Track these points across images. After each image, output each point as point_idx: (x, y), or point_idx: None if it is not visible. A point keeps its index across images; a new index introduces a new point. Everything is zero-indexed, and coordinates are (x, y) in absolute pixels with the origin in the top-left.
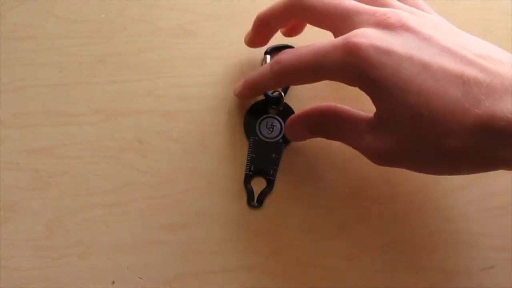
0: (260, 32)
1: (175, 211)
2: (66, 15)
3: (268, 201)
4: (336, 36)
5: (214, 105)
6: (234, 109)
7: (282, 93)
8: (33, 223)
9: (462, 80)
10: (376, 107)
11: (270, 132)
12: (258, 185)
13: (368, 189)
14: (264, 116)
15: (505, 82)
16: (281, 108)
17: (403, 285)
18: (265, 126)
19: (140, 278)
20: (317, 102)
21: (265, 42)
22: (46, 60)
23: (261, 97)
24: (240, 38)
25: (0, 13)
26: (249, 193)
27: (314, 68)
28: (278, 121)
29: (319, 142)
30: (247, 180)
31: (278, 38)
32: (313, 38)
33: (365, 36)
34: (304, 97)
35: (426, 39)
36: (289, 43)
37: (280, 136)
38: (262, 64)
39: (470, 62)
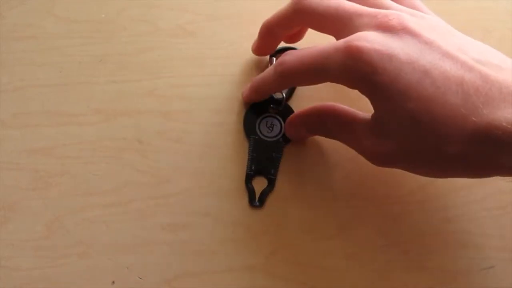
0: (266, 40)
1: (175, 211)
2: (66, 15)
3: (268, 201)
4: (338, 39)
5: (214, 105)
6: (234, 109)
7: (284, 95)
8: (33, 223)
9: (461, 88)
10: (375, 110)
11: (270, 131)
12: (260, 184)
13: (368, 189)
14: (264, 116)
15: (503, 90)
16: (280, 108)
17: (403, 285)
18: (265, 125)
19: (140, 278)
20: (317, 101)
21: (271, 50)
22: (46, 60)
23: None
24: (240, 38)
25: (0, 13)
26: (251, 192)
27: (316, 70)
28: (278, 120)
29: (319, 142)
30: (248, 179)
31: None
32: (315, 41)
33: (367, 39)
34: (304, 96)
35: (427, 43)
36: (293, 45)
37: (280, 135)
38: (268, 67)
39: (470, 68)
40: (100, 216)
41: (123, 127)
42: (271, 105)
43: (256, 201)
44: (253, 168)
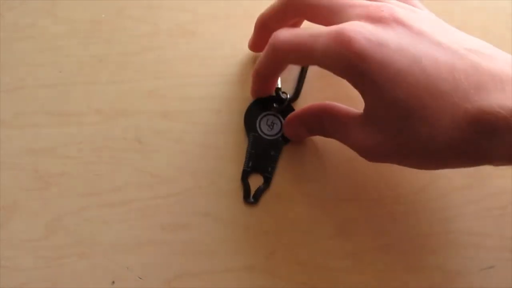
0: (261, 35)
1: (175, 211)
2: (66, 15)
3: (268, 201)
4: None
5: (214, 105)
6: (234, 109)
7: (289, 96)
8: (33, 223)
9: (452, 75)
10: (365, 100)
11: (270, 130)
12: (257, 182)
13: (368, 189)
14: (265, 113)
15: (495, 77)
16: (283, 107)
17: (403, 285)
18: (265, 123)
19: (140, 278)
20: (320, 100)
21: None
22: (46, 60)
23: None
24: (240, 38)
25: (0, 13)
26: (246, 189)
27: (305, 49)
28: (279, 118)
29: (319, 142)
30: (245, 176)
31: None
32: None
33: (357, 27)
34: (308, 100)
35: (418, 34)
36: None
37: (280, 134)
38: None
39: (461, 57)
40: (100, 216)
41: (123, 127)
42: (274, 104)
43: (251, 198)
44: (250, 164)
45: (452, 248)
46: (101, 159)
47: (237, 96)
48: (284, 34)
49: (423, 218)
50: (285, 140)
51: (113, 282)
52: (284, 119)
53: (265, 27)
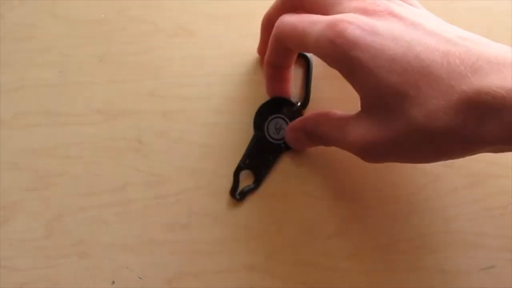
0: (268, 36)
1: (175, 211)
2: (66, 15)
3: (268, 201)
4: None
5: (214, 105)
6: (234, 109)
7: (299, 102)
8: (33, 223)
9: (447, 60)
10: (359, 92)
11: (276, 133)
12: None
13: (368, 189)
14: (275, 115)
15: (491, 60)
16: (293, 110)
17: (403, 285)
18: (273, 125)
19: (140, 278)
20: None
21: None
22: (46, 60)
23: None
24: (240, 38)
25: (0, 13)
26: (235, 184)
27: (303, 35)
28: (287, 124)
29: None
30: (238, 171)
31: None
32: None
33: (352, 18)
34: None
35: (411, 25)
36: None
37: (284, 140)
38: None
39: (455, 43)
40: (100, 216)
41: (123, 127)
42: (285, 108)
43: (237, 194)
44: (246, 162)
45: (452, 248)
46: (101, 159)
47: (237, 96)
48: (289, 18)
49: (423, 218)
50: (286, 147)
51: (113, 282)
52: None
53: (271, 24)
